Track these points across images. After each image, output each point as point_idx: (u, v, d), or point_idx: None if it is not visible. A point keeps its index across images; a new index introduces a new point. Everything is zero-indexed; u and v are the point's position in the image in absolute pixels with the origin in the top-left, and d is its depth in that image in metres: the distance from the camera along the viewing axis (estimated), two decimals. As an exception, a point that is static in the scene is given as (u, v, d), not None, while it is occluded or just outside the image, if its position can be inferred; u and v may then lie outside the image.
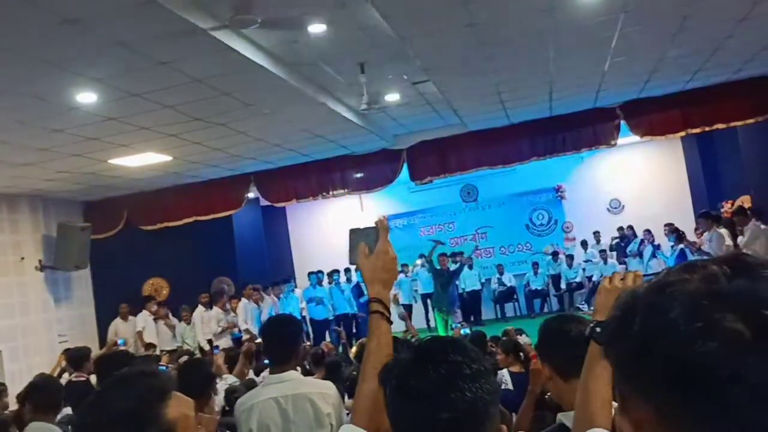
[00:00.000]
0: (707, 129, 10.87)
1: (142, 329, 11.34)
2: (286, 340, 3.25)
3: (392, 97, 8.70)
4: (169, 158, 9.65)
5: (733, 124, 10.68)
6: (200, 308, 11.81)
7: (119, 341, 9.72)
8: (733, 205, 12.07)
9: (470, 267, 15.00)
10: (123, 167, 9.69)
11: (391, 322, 1.71)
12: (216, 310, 11.81)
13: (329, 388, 3.21)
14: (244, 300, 12.32)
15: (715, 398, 0.66)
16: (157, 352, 10.29)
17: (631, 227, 14.75)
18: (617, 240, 15.01)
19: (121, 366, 1.72)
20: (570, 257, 15.05)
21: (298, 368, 3.43)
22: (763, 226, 9.54)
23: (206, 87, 6.81)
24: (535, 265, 15.29)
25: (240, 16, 5.31)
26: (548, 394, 3.05)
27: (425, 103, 9.30)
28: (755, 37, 7.79)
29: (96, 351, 9.35)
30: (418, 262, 15.34)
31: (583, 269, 14.78)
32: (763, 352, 0.65)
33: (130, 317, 11.57)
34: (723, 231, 10.25)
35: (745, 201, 11.97)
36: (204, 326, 11.68)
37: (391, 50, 6.75)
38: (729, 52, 8.30)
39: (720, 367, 0.65)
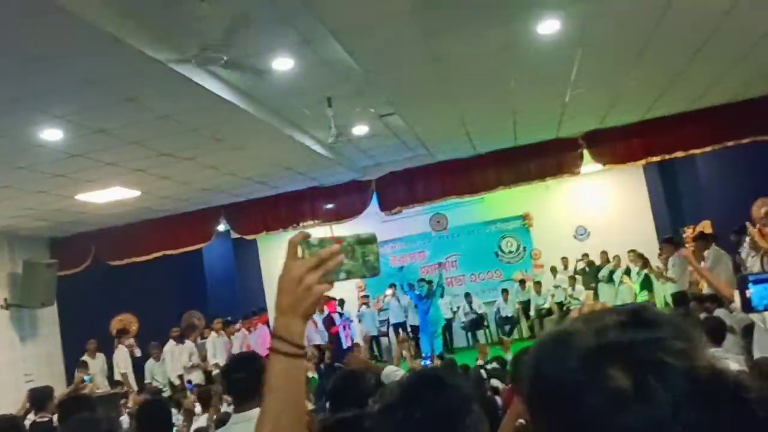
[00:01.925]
0: (667, 157, 11.15)
1: (125, 372, 11.14)
2: (249, 378, 3.22)
3: (360, 129, 8.82)
4: (137, 193, 9.61)
5: (692, 152, 10.97)
6: (171, 342, 11.68)
7: (86, 378, 9.56)
8: (694, 230, 12.36)
9: (441, 295, 15.09)
10: (90, 203, 9.63)
11: (294, 355, 1.26)
12: (188, 343, 11.69)
13: None
14: (213, 334, 12.21)
15: None
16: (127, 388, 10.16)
17: (604, 252, 14.96)
18: (583, 266, 15.21)
19: (83, 409, 1.72)
20: (538, 284, 15.21)
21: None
22: (723, 251, 9.78)
23: (173, 122, 6.85)
24: (505, 292, 15.42)
25: (206, 53, 5.38)
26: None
27: (392, 135, 9.43)
28: (710, 68, 8.07)
29: (63, 389, 9.19)
30: (388, 291, 15.40)
31: (552, 295, 14.94)
32: (641, 408, 0.67)
33: (98, 354, 11.39)
34: (684, 255, 10.47)
35: (705, 226, 12.28)
36: (175, 361, 11.54)
37: (357, 84, 6.88)
38: (686, 82, 8.57)
39: (605, 421, 0.68)
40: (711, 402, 0.68)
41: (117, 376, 11.11)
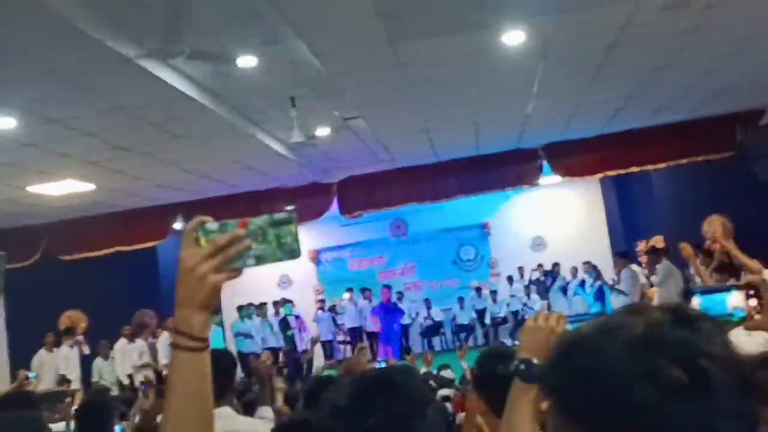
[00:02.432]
0: (623, 172, 11.38)
1: (65, 372, 10.83)
2: (217, 375, 3.16)
3: (323, 131, 8.77)
4: (91, 187, 9.40)
5: (647, 167, 11.22)
6: (122, 341, 11.45)
7: (30, 375, 9.29)
8: (647, 244, 12.62)
9: (400, 301, 15.15)
10: (42, 195, 9.37)
11: (196, 349, 1.18)
12: (139, 342, 11.46)
13: (263, 426, 3.13)
14: (165, 333, 11.99)
15: None
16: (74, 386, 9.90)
17: (557, 264, 15.19)
18: (537, 276, 15.42)
19: (23, 406, 1.64)
20: (494, 292, 15.35)
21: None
22: (673, 266, 9.99)
23: (131, 116, 6.71)
24: (461, 299, 15.52)
25: (167, 46, 5.29)
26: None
27: (355, 139, 9.41)
28: (666, 86, 8.26)
29: (6, 386, 8.91)
30: (346, 296, 15.37)
31: (508, 304, 15.09)
32: (696, 398, 0.70)
33: (56, 349, 11.08)
34: (637, 269, 10.70)
35: (658, 241, 12.53)
36: (125, 360, 11.30)
37: (322, 86, 6.84)
38: (643, 99, 8.76)
39: (656, 411, 0.70)
40: (753, 393, 0.73)
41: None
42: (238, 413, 3.34)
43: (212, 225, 1.18)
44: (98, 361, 11.45)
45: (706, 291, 1.88)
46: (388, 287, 14.84)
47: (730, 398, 0.71)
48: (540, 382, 0.86)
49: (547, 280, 15.17)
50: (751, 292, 1.71)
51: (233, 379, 3.25)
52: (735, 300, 1.74)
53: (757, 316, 1.69)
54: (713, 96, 9.06)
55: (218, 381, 3.27)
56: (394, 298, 14.98)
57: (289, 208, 11.87)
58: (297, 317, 14.85)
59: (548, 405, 0.85)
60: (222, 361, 3.23)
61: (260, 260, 1.19)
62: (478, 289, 15.57)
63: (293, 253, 1.19)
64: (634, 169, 11.14)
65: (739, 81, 8.38)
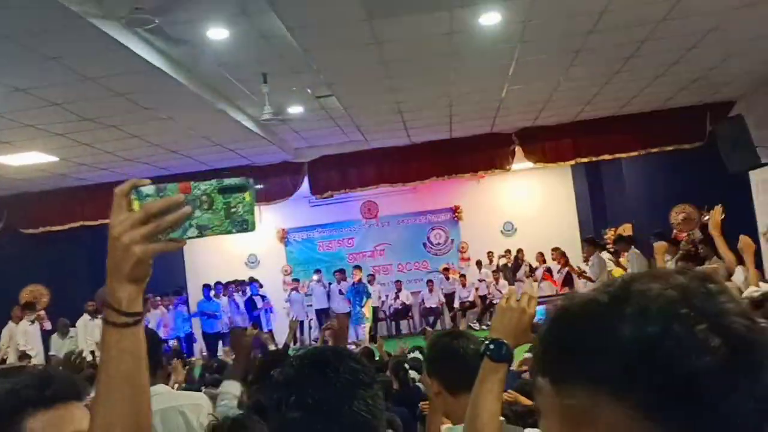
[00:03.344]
0: (595, 159, 11.45)
1: (25, 348, 10.61)
2: (153, 351, 3.13)
3: (295, 109, 8.65)
4: (55, 159, 9.17)
5: (618, 155, 11.30)
6: (85, 316, 11.25)
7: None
8: (615, 232, 12.75)
9: (370, 283, 15.13)
10: (4, 166, 9.12)
11: (123, 325, 1.08)
12: (99, 320, 11.27)
13: (201, 398, 3.11)
14: (129, 310, 11.83)
15: (705, 404, 0.68)
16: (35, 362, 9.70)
17: (521, 251, 15.28)
18: (505, 262, 15.51)
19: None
20: (463, 276, 15.40)
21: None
22: (641, 254, 10.12)
23: (99, 86, 6.52)
24: (430, 282, 15.55)
25: (137, 14, 5.13)
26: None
27: (328, 118, 9.30)
28: (640, 74, 8.30)
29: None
30: (315, 277, 15.30)
31: (476, 289, 15.16)
32: (736, 359, 0.69)
33: (23, 322, 10.85)
34: (605, 256, 10.81)
35: (626, 229, 12.69)
36: (88, 336, 11.12)
37: (295, 62, 6.72)
38: (617, 86, 8.79)
39: (712, 382, 0.68)
40: None
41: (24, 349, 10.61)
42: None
43: (149, 188, 1.05)
44: (55, 338, 11.24)
45: None
46: (359, 268, 14.80)
47: (765, 356, 0.70)
48: (548, 364, 0.79)
49: (510, 266, 15.28)
50: None
51: (160, 357, 3.21)
52: None
53: None
54: (685, 86, 9.14)
55: (153, 357, 3.22)
56: (365, 280, 14.96)
57: (258, 186, 11.73)
58: (264, 297, 14.75)
59: (550, 391, 0.78)
60: (149, 339, 3.18)
61: (204, 231, 1.06)
62: (446, 270, 15.60)
63: (245, 226, 1.06)
64: (606, 156, 11.21)
65: (710, 71, 8.45)
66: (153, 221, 1.03)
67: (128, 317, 1.07)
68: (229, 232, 1.08)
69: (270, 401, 1.28)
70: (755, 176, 9.80)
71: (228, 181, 1.07)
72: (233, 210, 1.06)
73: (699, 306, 0.71)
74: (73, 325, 11.37)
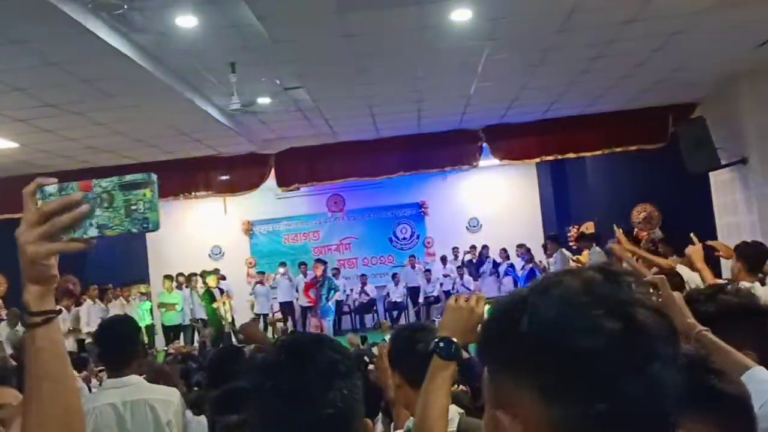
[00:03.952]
0: (559, 157, 11.59)
1: None
2: (123, 343, 3.10)
3: (263, 100, 8.58)
4: (16, 145, 8.96)
5: (582, 154, 11.46)
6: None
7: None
8: (578, 229, 12.95)
9: (335, 277, 15.11)
10: (-39, 151, 8.89)
11: (32, 325, 1.07)
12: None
13: (172, 394, 3.09)
14: (88, 301, 11.63)
15: (599, 384, 0.75)
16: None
17: (486, 247, 15.42)
18: (469, 258, 15.63)
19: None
20: (428, 271, 15.48)
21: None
22: (603, 251, 10.29)
23: (64, 72, 6.39)
24: (396, 275, 15.59)
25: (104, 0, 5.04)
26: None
27: (297, 110, 9.25)
28: (606, 74, 8.43)
29: None
30: (280, 270, 15.23)
31: (441, 284, 15.25)
32: (630, 343, 0.76)
33: None
34: (567, 253, 10.96)
35: (589, 227, 12.89)
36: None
37: (265, 53, 6.67)
38: (583, 86, 8.91)
39: (605, 363, 0.75)
40: (675, 337, 0.80)
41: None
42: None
43: (52, 187, 1.03)
44: (3, 326, 10.96)
45: None
46: (322, 261, 14.77)
47: (660, 343, 0.77)
48: (482, 352, 0.87)
49: (475, 262, 15.40)
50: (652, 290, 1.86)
51: (137, 347, 3.18)
52: None
53: None
54: (648, 87, 9.30)
55: (122, 349, 3.20)
56: (329, 274, 14.94)
57: (224, 178, 11.62)
58: (222, 290, 14.59)
59: (486, 377, 0.86)
60: (123, 328, 3.17)
61: (104, 230, 1.03)
62: (412, 257, 15.63)
63: (146, 224, 1.03)
64: (571, 155, 11.36)
65: (673, 73, 8.62)
66: (49, 222, 1.01)
67: (36, 317, 1.05)
68: (130, 232, 1.04)
69: (250, 386, 1.30)
70: (715, 177, 10.05)
71: (129, 178, 1.03)
72: (134, 208, 1.03)
73: (600, 295, 0.79)
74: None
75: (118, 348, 3.07)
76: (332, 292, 14.12)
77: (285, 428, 1.24)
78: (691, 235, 4.93)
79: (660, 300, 1.83)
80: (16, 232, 1.03)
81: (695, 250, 4.99)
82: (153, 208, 1.02)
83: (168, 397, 3.02)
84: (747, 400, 1.40)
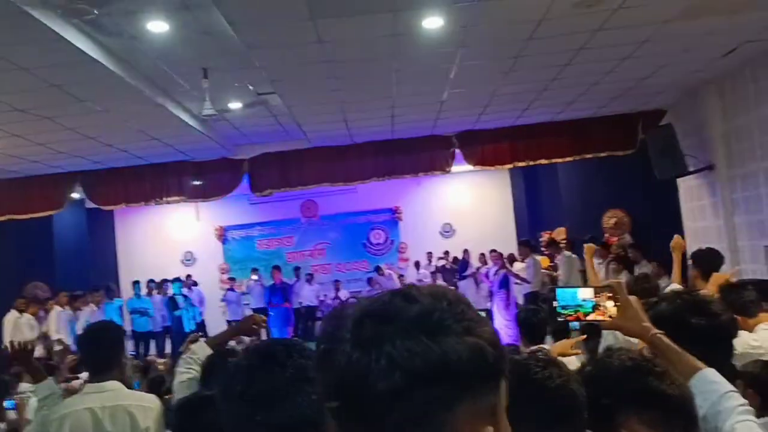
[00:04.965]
0: (532, 163, 11.70)
1: None
2: (106, 348, 3.08)
3: (235, 105, 8.56)
4: (-17, 149, 8.82)
5: (554, 160, 11.59)
6: (14, 313, 10.83)
7: None
8: (551, 235, 13.07)
9: (309, 282, 15.07)
10: (-74, 155, 8.73)
11: None
12: (26, 316, 10.88)
13: (151, 401, 3.07)
14: (57, 307, 11.45)
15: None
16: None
17: (466, 251, 15.45)
18: (443, 263, 15.68)
19: None
20: (402, 276, 15.51)
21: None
22: (574, 256, 10.41)
23: (32, 77, 6.31)
24: (370, 280, 15.59)
25: (75, 4, 4.99)
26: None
27: (269, 115, 9.24)
28: (576, 82, 8.54)
29: None
30: (253, 276, 15.15)
31: (415, 289, 15.24)
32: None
33: None
34: (538, 258, 11.07)
35: (561, 233, 13.02)
36: (16, 333, 10.71)
37: (237, 58, 6.66)
38: (554, 93, 9.02)
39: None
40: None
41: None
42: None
43: None
44: None
45: (564, 287, 2.14)
46: (277, 268, 14.76)
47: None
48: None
49: (455, 267, 15.42)
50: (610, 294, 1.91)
51: (121, 353, 3.16)
52: (584, 294, 1.95)
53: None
54: (618, 95, 9.45)
55: (105, 354, 3.18)
56: (303, 279, 14.91)
57: (197, 183, 11.55)
58: (186, 297, 14.46)
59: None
60: (108, 333, 3.16)
61: None
62: (378, 267, 15.57)
63: None
64: (543, 161, 11.48)
65: (642, 81, 8.77)
66: None
67: None
68: None
69: (220, 390, 1.31)
70: (683, 183, 10.23)
71: None
72: None
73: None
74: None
75: (101, 353, 3.06)
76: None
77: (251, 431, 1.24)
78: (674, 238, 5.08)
79: (617, 303, 1.88)
80: None
81: (679, 243, 5.12)
82: None
83: (147, 404, 3.01)
84: (687, 402, 1.46)
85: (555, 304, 2.01)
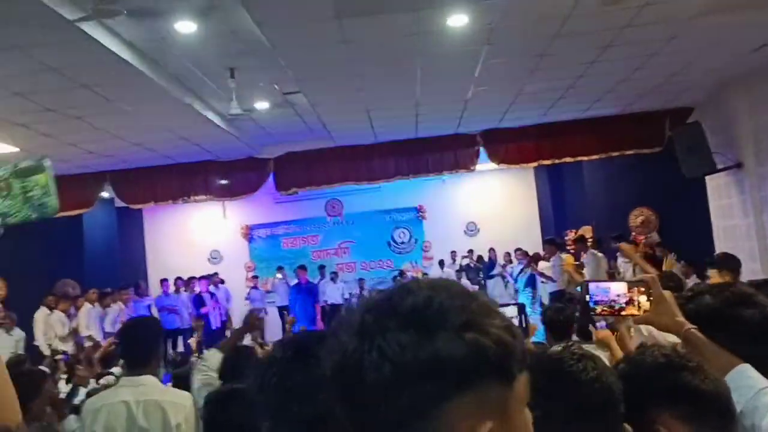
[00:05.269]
0: (557, 161, 11.64)
1: None
2: (144, 342, 3.14)
3: (262, 105, 8.63)
4: (15, 149, 8.98)
5: (579, 158, 11.50)
6: (44, 310, 11.03)
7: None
8: (576, 234, 12.98)
9: (334, 281, 15.13)
10: (-39, 155, 8.92)
11: None
12: (57, 313, 11.07)
13: (185, 398, 3.10)
14: (87, 304, 11.64)
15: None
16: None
17: (492, 250, 15.38)
18: (467, 262, 15.62)
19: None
20: (426, 275, 15.45)
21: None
22: (600, 254, 10.33)
23: (63, 77, 6.43)
24: (395, 279, 15.58)
25: (104, 5, 5.08)
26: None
27: (295, 114, 9.30)
28: (602, 79, 8.47)
29: None
30: (278, 275, 15.25)
31: (439, 288, 15.19)
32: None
33: None
34: (564, 257, 10.99)
35: (586, 231, 12.92)
36: (48, 330, 10.91)
37: (263, 58, 6.71)
38: (579, 91, 8.96)
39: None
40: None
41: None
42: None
43: None
44: None
45: (596, 281, 2.10)
46: (303, 268, 14.81)
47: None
48: None
49: (481, 266, 15.35)
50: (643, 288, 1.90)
51: (158, 348, 3.22)
52: (617, 288, 1.95)
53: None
54: (645, 92, 9.35)
55: (143, 348, 3.24)
56: (327, 278, 14.96)
57: (223, 182, 11.66)
58: (213, 295, 14.58)
59: None
60: (147, 329, 3.22)
61: (6, 219, 1.02)
62: (401, 273, 15.49)
63: (45, 209, 1.02)
64: (568, 159, 11.41)
65: (669, 78, 8.67)
66: None
67: None
68: (29, 218, 1.03)
69: (255, 382, 1.33)
70: (711, 181, 10.10)
71: (23, 164, 1.03)
72: (30, 194, 1.04)
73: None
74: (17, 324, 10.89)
75: (139, 347, 3.11)
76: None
77: (288, 424, 1.27)
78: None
79: (650, 298, 1.87)
80: None
81: (627, 248, 5.09)
82: (48, 192, 1.01)
83: (180, 401, 3.04)
84: (723, 397, 1.45)
85: (588, 298, 2.01)
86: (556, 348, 1.54)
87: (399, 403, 0.75)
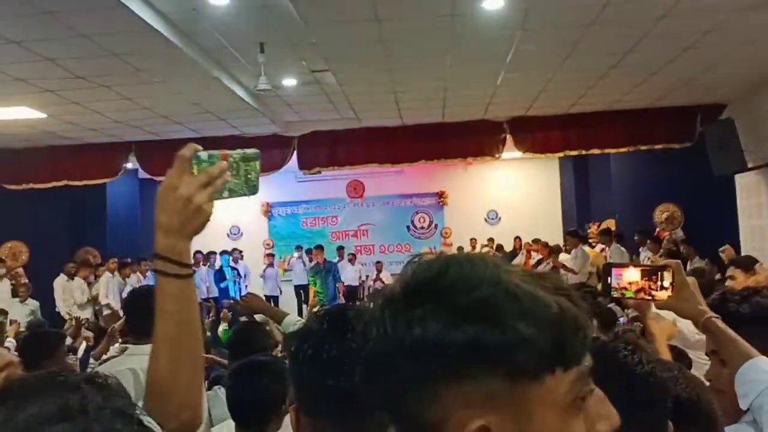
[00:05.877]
0: (584, 152, 11.50)
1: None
2: (150, 311, 3.14)
3: (289, 82, 8.59)
4: (43, 115, 9.05)
5: (607, 150, 11.36)
6: (62, 277, 11.15)
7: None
8: (598, 227, 12.86)
9: (351, 262, 15.15)
10: (-10, 119, 9.00)
11: (186, 276, 1.23)
12: (78, 280, 11.19)
13: None
14: (107, 273, 11.76)
15: None
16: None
17: (518, 238, 15.23)
18: (488, 250, 15.53)
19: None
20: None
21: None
22: (623, 248, 10.24)
23: (94, 44, 6.43)
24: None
25: (139, -27, 5.06)
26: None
27: (322, 93, 9.25)
28: (635, 70, 8.33)
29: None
30: (296, 253, 15.30)
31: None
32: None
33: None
34: (587, 249, 10.91)
35: (609, 224, 12.80)
36: (66, 296, 11.04)
37: (294, 34, 6.67)
38: (611, 81, 8.82)
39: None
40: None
41: None
42: None
43: (204, 154, 1.19)
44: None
45: (617, 264, 2.07)
46: (320, 248, 14.79)
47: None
48: None
49: (500, 255, 15.25)
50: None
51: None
52: (636, 272, 1.89)
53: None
54: (678, 86, 9.19)
55: (147, 317, 3.24)
56: (345, 259, 14.97)
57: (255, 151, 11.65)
58: (233, 269, 14.66)
59: None
60: (150, 298, 3.21)
61: (232, 194, 1.23)
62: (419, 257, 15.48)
63: (254, 189, 1.25)
64: (595, 151, 11.27)
65: (703, 73, 8.51)
66: (211, 185, 1.19)
67: (187, 269, 1.21)
68: (245, 195, 1.25)
69: (290, 352, 1.31)
70: (740, 180, 9.93)
71: (248, 152, 1.26)
72: (249, 176, 1.25)
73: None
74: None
75: (143, 317, 3.11)
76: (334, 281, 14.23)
77: (320, 396, 1.24)
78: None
79: (673, 283, 1.83)
80: (184, 192, 1.17)
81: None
82: (258, 176, 1.25)
83: None
84: (704, 405, 1.49)
85: (609, 280, 1.97)
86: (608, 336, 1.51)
87: (395, 377, 0.73)
